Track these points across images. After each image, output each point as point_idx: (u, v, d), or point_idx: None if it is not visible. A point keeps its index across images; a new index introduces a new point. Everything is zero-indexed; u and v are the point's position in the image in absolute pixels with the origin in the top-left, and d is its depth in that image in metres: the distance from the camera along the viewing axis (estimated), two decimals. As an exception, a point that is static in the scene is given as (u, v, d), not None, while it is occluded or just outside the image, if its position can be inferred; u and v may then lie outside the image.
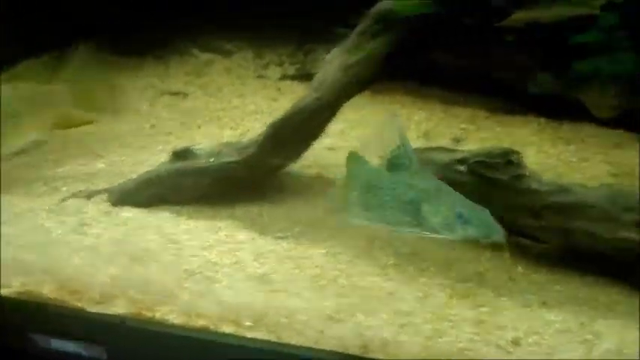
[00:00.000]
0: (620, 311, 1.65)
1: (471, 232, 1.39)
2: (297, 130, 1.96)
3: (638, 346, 1.52)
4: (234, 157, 1.96)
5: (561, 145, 2.41)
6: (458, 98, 2.72)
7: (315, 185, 2.12)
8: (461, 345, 1.49)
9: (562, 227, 1.68)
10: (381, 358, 1.45)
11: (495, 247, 1.81)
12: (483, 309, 1.63)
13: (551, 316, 1.61)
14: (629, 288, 1.72)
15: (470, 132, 2.51)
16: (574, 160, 2.32)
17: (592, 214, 1.66)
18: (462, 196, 1.44)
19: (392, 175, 1.46)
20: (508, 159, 1.73)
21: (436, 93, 2.77)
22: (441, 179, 1.59)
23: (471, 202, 1.45)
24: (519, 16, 2.40)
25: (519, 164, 1.75)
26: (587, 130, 2.47)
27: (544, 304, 1.67)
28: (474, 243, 1.80)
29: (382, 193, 1.45)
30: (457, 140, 2.44)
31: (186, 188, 1.91)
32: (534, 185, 1.73)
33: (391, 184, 1.45)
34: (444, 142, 2.44)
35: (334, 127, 2.33)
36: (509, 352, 1.48)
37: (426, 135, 2.47)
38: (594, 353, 1.50)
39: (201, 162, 1.93)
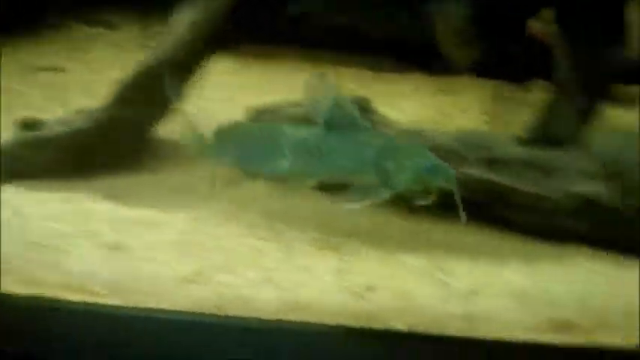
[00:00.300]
0: (481, 252, 1.71)
1: (437, 181, 1.33)
2: (146, 91, 1.86)
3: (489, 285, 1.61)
4: (84, 124, 1.87)
5: (440, 96, 2.50)
6: (347, 59, 2.77)
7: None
8: (316, 294, 1.57)
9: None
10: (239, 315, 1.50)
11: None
12: (347, 258, 1.68)
13: (413, 261, 1.67)
14: (499, 230, 1.76)
15: (354, 91, 2.53)
16: (454, 110, 2.43)
17: (441, 154, 1.64)
18: (417, 147, 1.40)
19: (334, 136, 1.37)
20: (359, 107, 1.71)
21: (326, 55, 2.81)
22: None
23: (423, 150, 1.39)
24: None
25: (368, 111, 1.76)
26: (466, 82, 2.58)
27: (409, 249, 1.72)
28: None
29: (328, 155, 1.36)
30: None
31: (36, 161, 1.81)
32: (384, 131, 1.75)
33: (337, 144, 1.37)
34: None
35: (221, 94, 2.38)
36: (362, 298, 1.55)
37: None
38: (445, 293, 1.60)
39: (49, 132, 1.84)
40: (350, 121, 1.37)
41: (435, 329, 1.47)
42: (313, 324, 1.40)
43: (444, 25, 2.27)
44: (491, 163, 1.68)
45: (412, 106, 2.44)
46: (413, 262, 1.67)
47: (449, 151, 1.69)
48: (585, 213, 1.61)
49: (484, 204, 1.70)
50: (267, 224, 1.79)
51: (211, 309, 1.47)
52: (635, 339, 1.41)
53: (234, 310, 1.48)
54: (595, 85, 1.65)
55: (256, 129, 1.54)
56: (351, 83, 2.61)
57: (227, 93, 2.48)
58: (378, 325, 1.48)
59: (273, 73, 2.67)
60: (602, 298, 1.50)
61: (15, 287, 1.40)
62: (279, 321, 1.39)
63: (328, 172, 1.38)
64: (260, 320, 1.39)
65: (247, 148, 1.44)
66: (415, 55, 2.65)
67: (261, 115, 1.90)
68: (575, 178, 1.63)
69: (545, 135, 1.70)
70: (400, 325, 1.48)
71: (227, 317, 1.43)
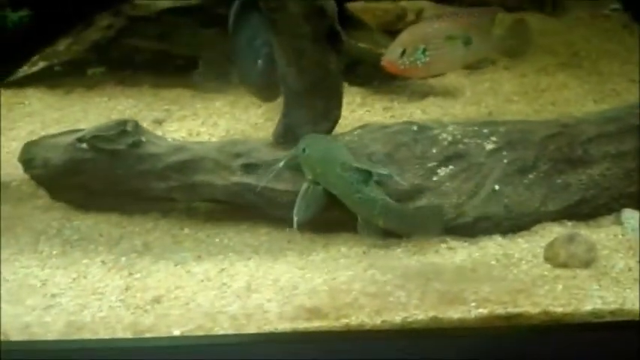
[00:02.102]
0: (264, 249, 1.86)
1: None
2: None
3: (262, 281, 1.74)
4: None
5: (253, 109, 2.63)
6: (167, 81, 2.87)
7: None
8: (102, 314, 1.64)
9: (186, 183, 1.83)
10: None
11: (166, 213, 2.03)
12: (137, 275, 1.79)
13: (198, 268, 1.81)
14: (275, 228, 1.93)
15: (173, 112, 2.62)
16: (261, 121, 2.56)
17: (207, 165, 1.83)
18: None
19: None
20: (122, 129, 1.85)
21: (147, 79, 2.89)
22: (69, 160, 1.79)
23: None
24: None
25: (135, 132, 1.86)
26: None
27: (198, 257, 1.85)
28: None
29: None
30: (159, 122, 2.57)
31: None
32: (153, 149, 1.86)
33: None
34: (146, 124, 2.59)
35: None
36: (146, 311, 1.65)
37: (130, 121, 2.61)
38: (225, 294, 1.73)
39: None
40: None
41: (210, 329, 1.63)
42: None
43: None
44: (253, 168, 1.81)
45: (226, 120, 2.54)
46: (199, 270, 1.79)
47: (213, 162, 1.81)
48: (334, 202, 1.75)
49: (251, 207, 1.84)
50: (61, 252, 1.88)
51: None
52: (378, 317, 1.60)
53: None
54: (327, 88, 1.77)
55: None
56: (172, 104, 2.74)
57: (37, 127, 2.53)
58: (159, 333, 1.63)
59: (94, 102, 2.76)
60: (353, 280, 1.66)
61: None
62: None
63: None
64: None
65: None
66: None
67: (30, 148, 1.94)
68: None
69: (290, 136, 1.81)
70: (178, 331, 1.63)
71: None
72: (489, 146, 1.81)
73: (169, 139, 1.94)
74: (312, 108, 1.77)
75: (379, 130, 1.85)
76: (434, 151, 1.79)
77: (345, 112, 2.65)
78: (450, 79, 2.88)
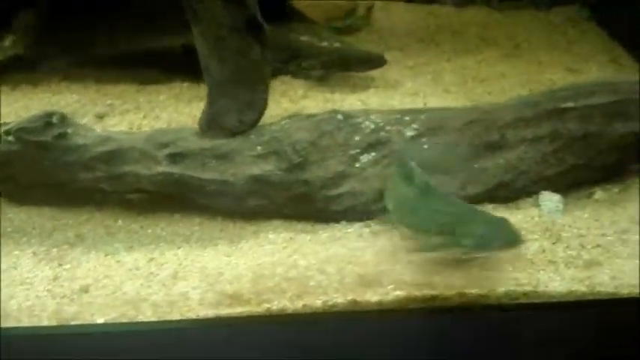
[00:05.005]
0: (196, 238, 1.88)
1: (498, 244, 1.52)
2: None
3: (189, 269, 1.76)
4: None
5: (196, 102, 2.64)
6: (113, 75, 2.88)
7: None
8: (28, 303, 1.67)
9: (113, 174, 1.85)
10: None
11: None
12: (66, 266, 1.81)
13: (128, 258, 1.83)
14: (208, 218, 1.95)
15: (116, 106, 2.62)
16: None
17: (133, 155, 1.85)
18: (485, 213, 1.63)
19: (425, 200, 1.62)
20: (47, 120, 1.86)
21: (93, 73, 2.90)
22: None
23: (491, 215, 1.63)
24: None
25: (61, 124, 1.87)
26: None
27: (130, 248, 1.87)
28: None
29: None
30: (100, 117, 2.58)
31: None
32: (79, 140, 1.87)
33: (427, 207, 1.61)
34: (87, 119, 2.60)
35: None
36: (72, 300, 1.67)
37: (73, 116, 2.60)
38: (151, 283, 1.74)
39: None
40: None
41: (133, 317, 1.65)
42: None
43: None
44: (179, 157, 1.82)
45: (168, 113, 2.56)
46: (129, 260, 1.81)
47: (140, 153, 1.83)
48: (260, 191, 1.80)
49: (179, 196, 1.86)
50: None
51: None
52: (300, 301, 1.64)
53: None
54: (250, 78, 1.79)
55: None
56: (116, 99, 2.75)
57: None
58: (82, 321, 1.66)
59: (38, 98, 2.75)
60: (276, 266, 1.69)
61: None
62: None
63: (415, 225, 1.63)
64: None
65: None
66: (179, 64, 2.80)
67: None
68: (250, 162, 1.81)
69: (215, 125, 1.84)
70: (101, 319, 1.65)
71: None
72: (410, 133, 1.85)
73: (97, 131, 1.95)
74: (236, 98, 1.79)
75: (305, 120, 1.89)
76: (357, 138, 1.83)
77: (287, 103, 2.75)
78: (393, 72, 2.97)
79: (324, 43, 2.78)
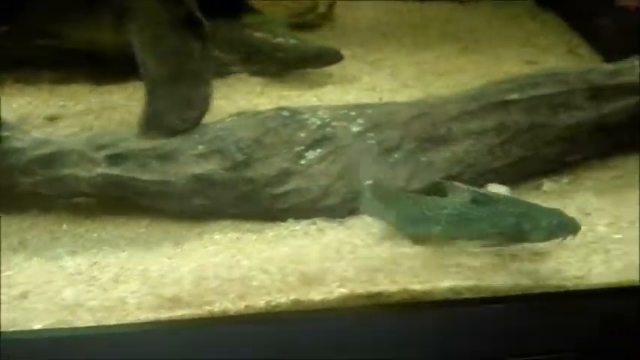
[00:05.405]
0: (141, 241, 1.84)
1: (564, 233, 1.58)
2: None
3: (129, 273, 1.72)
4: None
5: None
6: (68, 76, 2.83)
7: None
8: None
9: (52, 177, 1.81)
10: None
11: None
12: (8, 273, 1.75)
13: (71, 263, 1.79)
14: (154, 220, 1.91)
15: (69, 108, 2.60)
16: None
17: (72, 158, 1.81)
18: (541, 206, 1.64)
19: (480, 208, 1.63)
20: None
21: (47, 75, 2.84)
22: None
23: (547, 207, 1.64)
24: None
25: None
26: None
27: (73, 252, 1.82)
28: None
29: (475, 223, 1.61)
30: (52, 119, 2.53)
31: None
32: (17, 144, 1.82)
33: (485, 214, 1.62)
34: (39, 122, 2.56)
35: None
36: (11, 306, 1.63)
37: (22, 119, 2.55)
38: (91, 287, 1.69)
39: None
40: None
41: (70, 322, 1.62)
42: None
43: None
44: (120, 158, 1.79)
45: (120, 114, 2.49)
46: (71, 264, 1.76)
47: (79, 155, 1.79)
48: (203, 191, 1.77)
49: (120, 199, 1.82)
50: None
51: None
52: (242, 303, 1.61)
53: None
54: (190, 75, 1.75)
55: (417, 198, 1.71)
56: (69, 100, 2.70)
57: None
58: (20, 328, 1.62)
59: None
60: (220, 267, 1.66)
61: None
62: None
63: (472, 236, 1.64)
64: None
65: (406, 212, 1.66)
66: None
67: None
68: (192, 161, 1.77)
69: (155, 125, 1.80)
70: (39, 325, 1.61)
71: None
72: (356, 128, 1.83)
73: (35, 134, 1.90)
74: (175, 96, 1.76)
75: (251, 117, 1.86)
76: (302, 135, 1.80)
77: (243, 101, 2.72)
78: (352, 68, 2.94)
79: (280, 40, 2.81)
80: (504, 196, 1.71)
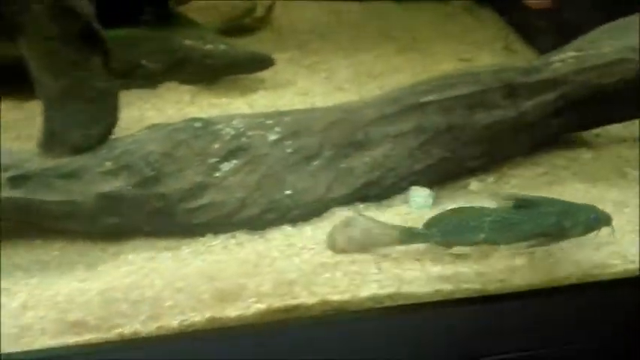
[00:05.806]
0: (55, 264, 1.74)
1: (600, 225, 1.72)
2: None
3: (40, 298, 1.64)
4: None
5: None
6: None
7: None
8: None
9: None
10: None
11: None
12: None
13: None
14: (69, 242, 1.81)
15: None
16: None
17: None
18: (574, 202, 1.74)
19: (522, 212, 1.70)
20: None
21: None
22: None
23: (580, 203, 1.75)
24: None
25: None
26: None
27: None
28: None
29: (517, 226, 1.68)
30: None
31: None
32: None
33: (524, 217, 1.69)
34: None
35: None
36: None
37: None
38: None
39: None
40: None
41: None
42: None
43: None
44: (21, 179, 1.68)
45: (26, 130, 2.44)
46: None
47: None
48: (112, 209, 1.69)
49: (25, 222, 1.72)
50: None
51: None
52: (153, 324, 1.53)
53: None
54: (91, 90, 1.66)
55: (466, 210, 1.73)
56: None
57: None
58: None
59: None
60: (131, 288, 1.59)
61: None
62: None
63: (515, 239, 1.70)
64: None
65: (453, 224, 1.68)
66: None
67: None
68: (99, 179, 1.69)
69: (56, 143, 1.71)
70: None
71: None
72: (272, 137, 1.77)
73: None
74: (76, 112, 1.67)
75: (161, 130, 1.78)
76: (216, 146, 1.73)
77: (172, 110, 2.63)
78: (287, 72, 2.89)
79: (209, 47, 2.75)
80: (543, 197, 1.76)
